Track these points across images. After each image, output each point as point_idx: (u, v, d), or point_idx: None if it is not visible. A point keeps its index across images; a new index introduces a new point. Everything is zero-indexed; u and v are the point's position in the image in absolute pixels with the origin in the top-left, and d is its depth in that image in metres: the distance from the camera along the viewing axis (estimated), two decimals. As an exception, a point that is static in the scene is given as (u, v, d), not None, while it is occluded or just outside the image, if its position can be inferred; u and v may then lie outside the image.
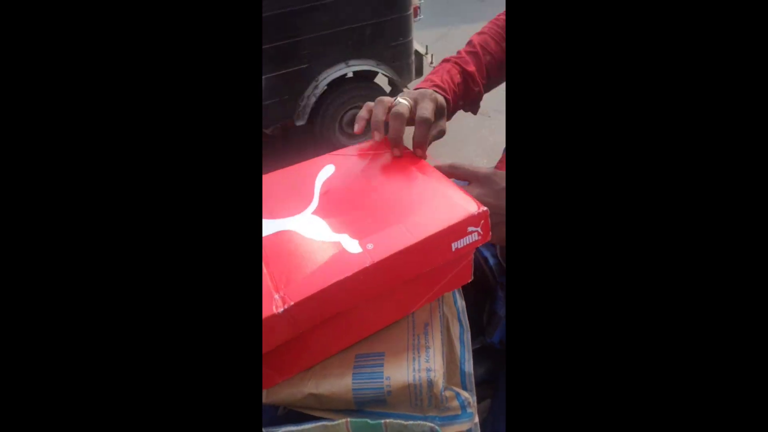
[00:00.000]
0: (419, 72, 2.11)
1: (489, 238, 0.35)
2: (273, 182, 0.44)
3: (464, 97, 0.56)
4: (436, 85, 0.52)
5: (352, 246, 0.33)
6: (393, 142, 0.43)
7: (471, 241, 0.34)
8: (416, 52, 2.08)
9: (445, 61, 0.57)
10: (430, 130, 0.44)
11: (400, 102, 0.44)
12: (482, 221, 0.34)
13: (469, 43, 0.59)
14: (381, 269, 0.31)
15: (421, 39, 2.29)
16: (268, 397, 0.35)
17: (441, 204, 0.35)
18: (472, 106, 0.60)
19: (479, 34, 0.60)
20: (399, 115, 0.43)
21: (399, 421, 0.31)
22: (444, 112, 0.49)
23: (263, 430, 0.30)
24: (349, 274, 0.30)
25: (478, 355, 0.52)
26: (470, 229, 0.34)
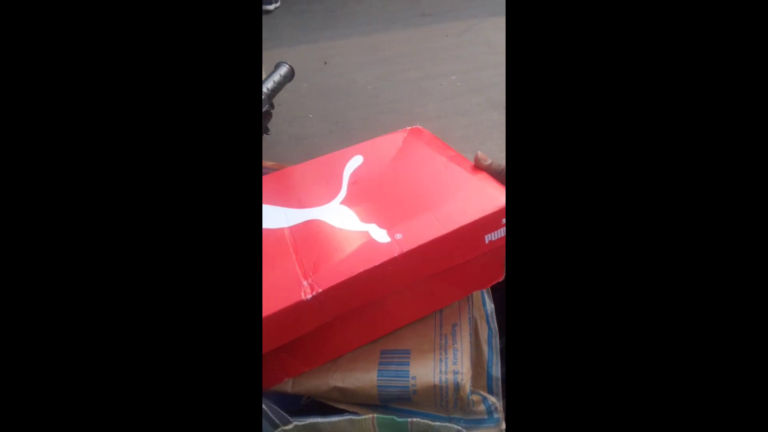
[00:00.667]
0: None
1: None
2: (302, 172, 0.43)
3: None
4: None
5: (381, 235, 0.32)
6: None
7: (505, 234, 0.33)
8: None
9: None
10: None
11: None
12: None
13: None
14: (410, 259, 0.31)
15: (445, 31, 2.26)
16: (293, 386, 0.35)
17: (473, 194, 0.34)
18: None
19: None
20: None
21: (426, 421, 0.31)
22: None
23: (291, 419, 0.30)
24: (377, 263, 0.30)
25: (503, 355, 0.52)
26: (504, 221, 0.33)
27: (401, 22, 2.71)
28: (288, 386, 0.35)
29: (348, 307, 0.31)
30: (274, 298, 0.29)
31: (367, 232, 0.33)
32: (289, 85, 0.82)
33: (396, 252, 0.31)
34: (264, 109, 0.63)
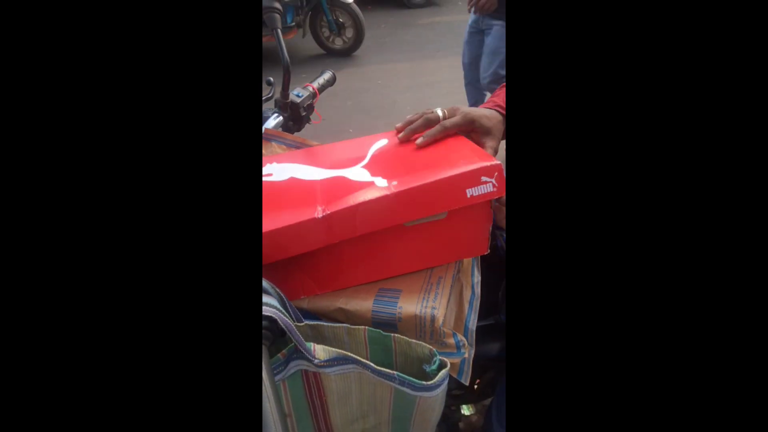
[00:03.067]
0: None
1: (503, 193, 0.42)
2: (339, 147, 0.55)
3: None
4: (498, 105, 0.55)
5: (382, 183, 0.43)
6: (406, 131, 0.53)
7: (486, 192, 0.42)
8: None
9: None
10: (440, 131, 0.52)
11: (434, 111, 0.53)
12: (496, 173, 0.41)
13: None
14: (399, 199, 0.41)
15: None
16: (309, 304, 0.45)
17: (460, 158, 0.44)
18: None
19: None
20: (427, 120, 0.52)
21: (405, 337, 0.40)
22: (494, 132, 0.53)
23: (303, 320, 0.40)
24: (373, 197, 0.41)
25: (493, 332, 0.60)
26: (484, 179, 0.42)
27: (445, 51, 2.84)
28: (305, 304, 0.45)
29: (351, 232, 0.41)
30: (295, 215, 0.40)
31: (373, 182, 0.44)
32: (334, 102, 0.95)
33: (389, 191, 0.41)
34: (308, 103, 0.77)
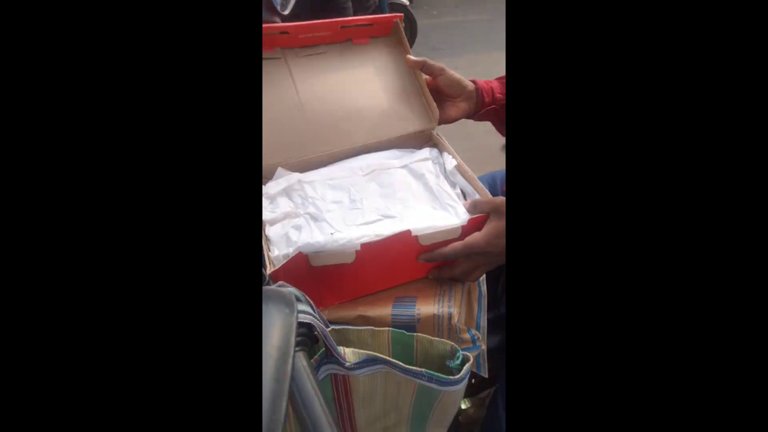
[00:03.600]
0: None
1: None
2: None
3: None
4: (472, 80, 0.61)
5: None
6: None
7: None
8: None
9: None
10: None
11: None
12: None
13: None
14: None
15: (454, 64, 2.39)
16: (328, 314, 0.47)
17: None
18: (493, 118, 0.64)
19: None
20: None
21: (427, 336, 0.42)
22: (458, 90, 0.59)
23: (330, 324, 0.41)
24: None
25: (493, 325, 0.63)
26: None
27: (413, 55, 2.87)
28: (324, 314, 0.47)
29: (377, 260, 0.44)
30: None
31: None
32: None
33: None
34: None
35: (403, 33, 0.62)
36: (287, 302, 0.32)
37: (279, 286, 0.39)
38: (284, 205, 0.49)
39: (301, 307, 0.37)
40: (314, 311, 0.39)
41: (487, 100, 0.61)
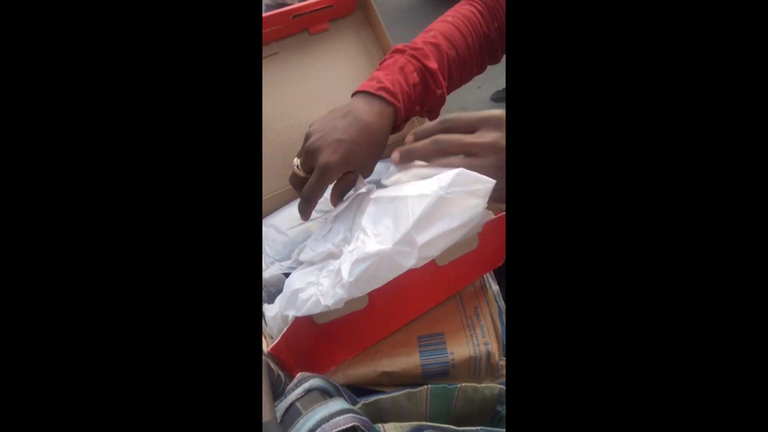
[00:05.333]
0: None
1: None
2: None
3: (422, 102, 0.45)
4: (384, 88, 0.40)
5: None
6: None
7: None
8: None
9: (398, 51, 0.44)
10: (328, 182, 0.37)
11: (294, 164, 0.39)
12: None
13: (429, 30, 0.46)
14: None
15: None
16: (344, 378, 0.38)
17: None
18: (432, 113, 0.48)
19: (442, 21, 0.47)
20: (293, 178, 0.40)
21: (472, 384, 0.36)
22: (383, 130, 0.40)
23: (358, 399, 0.34)
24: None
25: None
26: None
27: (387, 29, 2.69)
28: (339, 377, 0.38)
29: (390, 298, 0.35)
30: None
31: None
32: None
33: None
34: None
35: (372, 4, 0.51)
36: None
37: (299, 381, 0.30)
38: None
39: (335, 405, 0.28)
40: (348, 400, 0.31)
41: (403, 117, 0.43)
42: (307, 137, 0.38)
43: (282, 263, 0.42)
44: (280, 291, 0.39)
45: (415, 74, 0.42)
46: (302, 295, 0.34)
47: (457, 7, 0.49)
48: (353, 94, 0.41)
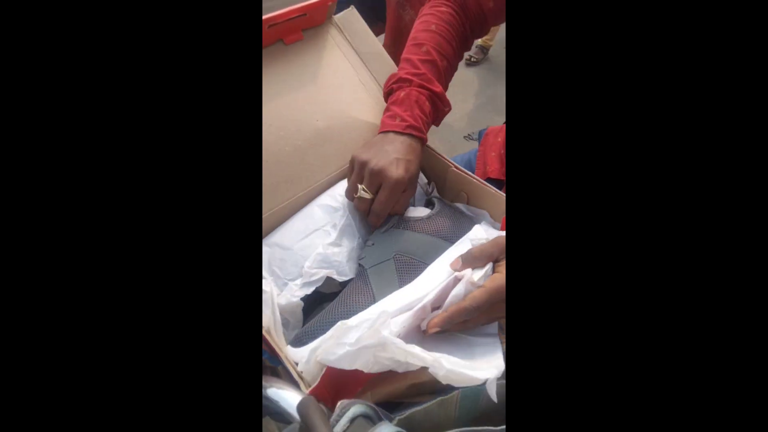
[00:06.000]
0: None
1: None
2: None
3: (434, 120, 0.49)
4: (410, 126, 0.44)
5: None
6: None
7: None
8: None
9: (405, 82, 0.47)
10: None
11: (361, 193, 0.42)
12: None
13: (419, 45, 0.49)
14: None
15: None
16: (372, 397, 0.38)
17: None
18: (436, 123, 0.52)
19: (427, 31, 0.50)
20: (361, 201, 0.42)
21: (501, 381, 0.36)
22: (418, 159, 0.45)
23: (392, 414, 0.33)
24: None
25: None
26: None
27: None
28: (368, 396, 0.38)
29: None
30: None
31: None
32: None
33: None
34: None
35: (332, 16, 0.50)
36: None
37: (341, 411, 0.29)
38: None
39: (384, 430, 0.28)
40: (388, 420, 0.31)
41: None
42: (363, 164, 0.41)
43: (294, 282, 0.40)
44: (297, 319, 0.38)
45: (427, 103, 0.47)
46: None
47: (434, 9, 0.51)
48: (380, 132, 0.45)
